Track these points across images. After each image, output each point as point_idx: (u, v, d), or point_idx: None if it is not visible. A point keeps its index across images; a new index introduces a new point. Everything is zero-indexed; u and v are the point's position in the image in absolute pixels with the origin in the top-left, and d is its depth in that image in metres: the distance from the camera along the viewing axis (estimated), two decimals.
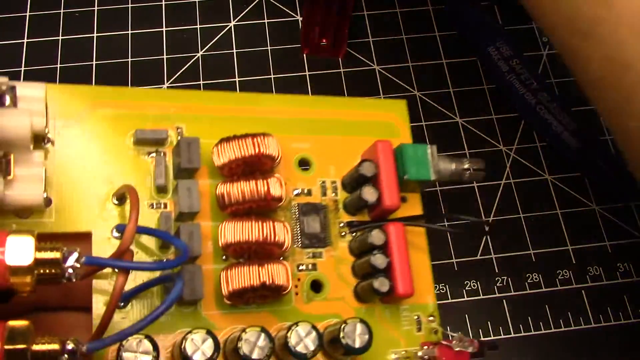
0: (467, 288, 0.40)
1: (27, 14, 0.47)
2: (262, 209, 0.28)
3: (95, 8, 0.48)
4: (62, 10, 0.47)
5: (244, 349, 0.25)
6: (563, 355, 0.38)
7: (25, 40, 0.45)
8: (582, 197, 0.43)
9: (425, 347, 0.30)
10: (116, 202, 0.28)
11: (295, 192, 0.31)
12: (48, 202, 0.26)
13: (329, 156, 0.32)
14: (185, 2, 0.49)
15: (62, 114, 0.29)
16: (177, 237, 0.27)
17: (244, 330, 0.25)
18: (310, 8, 0.47)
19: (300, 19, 0.48)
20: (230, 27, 0.48)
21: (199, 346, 0.24)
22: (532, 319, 0.39)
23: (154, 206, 0.28)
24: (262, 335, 0.25)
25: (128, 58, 0.46)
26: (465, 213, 0.42)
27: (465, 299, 0.39)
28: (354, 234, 0.31)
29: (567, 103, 0.43)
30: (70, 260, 0.22)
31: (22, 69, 0.44)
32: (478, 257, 0.41)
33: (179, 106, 0.31)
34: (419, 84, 0.46)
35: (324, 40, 0.47)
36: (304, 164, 0.32)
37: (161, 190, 0.29)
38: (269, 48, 0.47)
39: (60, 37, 0.46)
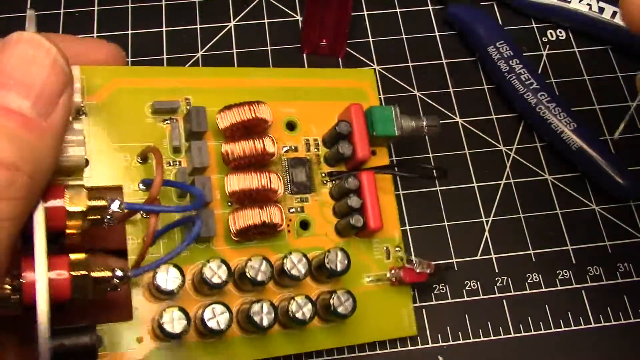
0: (467, 288, 0.40)
1: (27, 14, 0.47)
2: (258, 162, 0.34)
3: (95, 8, 0.48)
4: (62, 10, 0.47)
5: (250, 272, 0.31)
6: (563, 355, 0.38)
7: None
8: (582, 197, 0.43)
9: (393, 270, 0.36)
10: (140, 161, 0.33)
11: (285, 149, 0.37)
12: (86, 162, 0.31)
13: (311, 118, 0.38)
14: (185, 2, 0.49)
15: (91, 90, 0.34)
16: (194, 187, 0.32)
17: (249, 259, 0.32)
18: (310, 8, 0.47)
19: (300, 19, 0.48)
20: (230, 27, 0.48)
21: (216, 271, 0.31)
22: (532, 318, 0.39)
23: (171, 164, 0.34)
24: (264, 261, 0.32)
25: (128, 58, 0.46)
26: (465, 212, 0.42)
27: (465, 299, 0.39)
28: (333, 181, 0.37)
29: (567, 103, 0.43)
30: (114, 206, 0.28)
31: None
32: (478, 257, 0.41)
33: (186, 81, 0.36)
34: (419, 84, 0.46)
35: (324, 40, 0.47)
36: (291, 125, 0.38)
37: (176, 150, 0.34)
38: (269, 48, 0.47)
39: None
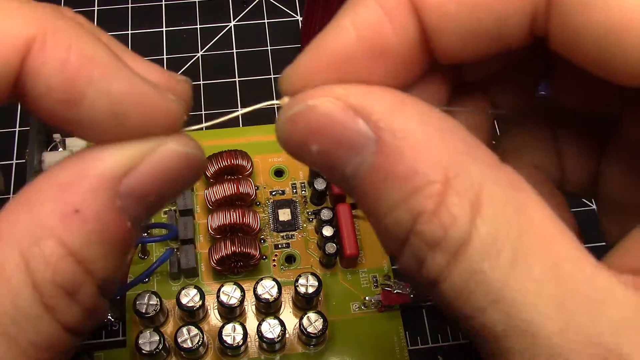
0: None
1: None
2: (240, 202, 0.39)
3: (95, 8, 0.48)
4: None
5: (223, 297, 0.35)
6: None
7: None
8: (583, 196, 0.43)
9: (375, 295, 0.38)
10: None
11: (272, 192, 0.41)
12: None
13: (299, 165, 0.41)
14: (185, 2, 0.49)
15: None
16: (170, 224, 0.38)
17: (222, 285, 0.36)
18: (310, 8, 0.47)
19: (300, 19, 0.48)
20: (230, 27, 0.48)
21: (191, 297, 0.35)
22: None
23: (167, 210, 0.40)
24: (236, 287, 0.35)
25: None
26: None
27: None
28: (316, 217, 0.39)
29: None
30: None
31: None
32: None
33: None
34: None
35: None
36: (279, 172, 0.42)
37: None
38: (269, 48, 0.47)
39: None
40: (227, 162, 0.39)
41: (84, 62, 0.17)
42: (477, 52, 0.18)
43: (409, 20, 0.17)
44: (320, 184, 0.39)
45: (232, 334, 0.34)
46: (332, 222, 0.38)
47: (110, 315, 0.35)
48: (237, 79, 0.45)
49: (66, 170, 0.17)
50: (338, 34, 0.18)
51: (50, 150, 0.38)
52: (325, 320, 0.35)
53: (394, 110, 0.16)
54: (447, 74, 0.20)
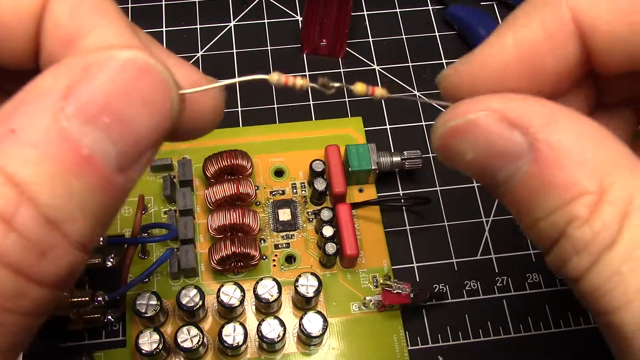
0: (467, 288, 0.40)
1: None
2: (240, 202, 0.39)
3: None
4: None
5: (223, 298, 0.35)
6: (563, 355, 0.38)
7: None
8: None
9: (374, 296, 0.38)
10: (144, 212, 0.39)
11: (272, 192, 0.41)
12: None
13: (299, 165, 0.42)
14: (185, 2, 0.49)
15: None
16: (170, 224, 0.38)
17: (222, 285, 0.36)
18: (310, 8, 0.47)
19: (300, 19, 0.48)
20: (230, 27, 0.48)
21: (191, 297, 0.35)
22: (532, 319, 0.39)
23: (167, 210, 0.40)
24: (236, 287, 0.35)
25: None
26: (465, 213, 0.42)
27: (465, 299, 0.39)
28: (316, 217, 0.39)
29: None
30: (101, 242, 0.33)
31: None
32: (478, 257, 0.41)
33: (184, 143, 0.40)
34: (418, 83, 0.46)
35: (324, 40, 0.47)
36: (279, 172, 0.42)
37: (170, 199, 0.40)
38: (269, 48, 0.47)
39: None
40: (227, 162, 0.39)
41: (95, 7, 0.18)
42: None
43: (569, 42, 0.19)
44: (320, 184, 0.39)
45: (232, 334, 0.34)
46: (332, 222, 0.38)
47: (111, 316, 0.35)
48: (237, 79, 0.45)
49: (10, 100, 0.16)
50: (500, 49, 0.20)
51: None
52: (325, 320, 0.35)
53: (550, 122, 0.18)
54: (590, 90, 0.22)
